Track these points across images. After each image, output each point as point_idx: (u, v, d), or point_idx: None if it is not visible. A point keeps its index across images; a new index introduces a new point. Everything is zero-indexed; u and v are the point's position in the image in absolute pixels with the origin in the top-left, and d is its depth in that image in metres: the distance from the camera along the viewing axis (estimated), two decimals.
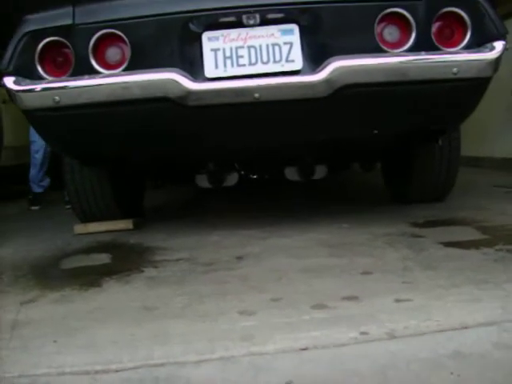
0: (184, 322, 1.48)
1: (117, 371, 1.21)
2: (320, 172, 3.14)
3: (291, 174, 3.20)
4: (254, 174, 3.75)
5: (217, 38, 2.32)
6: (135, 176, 3.45)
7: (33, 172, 4.92)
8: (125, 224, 3.16)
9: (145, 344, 1.34)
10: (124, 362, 1.24)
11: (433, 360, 1.13)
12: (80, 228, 3.16)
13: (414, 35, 2.29)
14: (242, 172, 3.52)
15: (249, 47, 2.31)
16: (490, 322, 1.30)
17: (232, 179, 3.22)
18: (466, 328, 1.27)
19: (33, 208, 4.80)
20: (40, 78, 2.34)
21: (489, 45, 2.30)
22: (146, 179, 3.81)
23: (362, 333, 1.29)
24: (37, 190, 4.91)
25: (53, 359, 1.29)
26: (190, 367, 1.20)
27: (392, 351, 1.20)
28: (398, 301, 1.51)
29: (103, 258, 2.43)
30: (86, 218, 3.20)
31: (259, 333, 1.35)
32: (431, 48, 2.30)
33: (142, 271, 2.11)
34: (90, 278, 2.07)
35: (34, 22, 2.35)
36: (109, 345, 1.35)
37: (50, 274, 2.25)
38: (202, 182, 3.18)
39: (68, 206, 4.19)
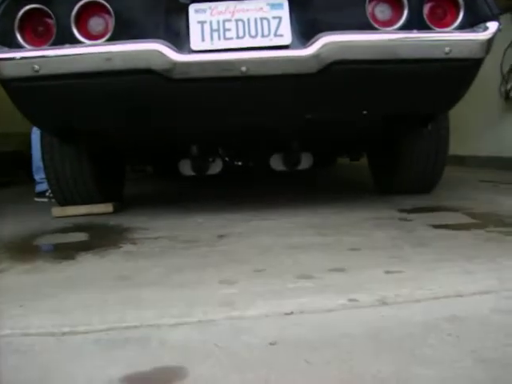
0: (160, 290, 1.40)
1: (85, 333, 1.11)
2: (305, 162, 3.07)
3: (276, 163, 3.13)
4: (238, 160, 3.66)
5: (204, 11, 2.24)
6: (116, 159, 3.35)
7: None
8: (104, 207, 3.06)
9: (117, 308, 1.25)
10: (93, 324, 1.15)
11: (428, 323, 1.05)
12: (58, 211, 3.06)
13: (405, 14, 2.24)
14: (226, 158, 3.44)
15: (236, 20, 2.23)
16: (486, 291, 1.23)
17: (216, 167, 3.14)
18: (461, 296, 1.21)
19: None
20: (19, 47, 2.24)
21: (482, 25, 2.24)
22: (126, 163, 3.71)
23: (351, 300, 1.22)
24: None
25: (17, 321, 1.20)
26: (164, 329, 1.12)
27: (384, 315, 1.12)
28: (387, 272, 1.44)
29: (80, 237, 2.34)
30: (65, 201, 3.10)
31: (240, 299, 1.27)
32: (423, 28, 2.25)
33: (120, 247, 2.02)
34: (64, 252, 1.98)
35: None
36: (79, 309, 1.26)
37: (24, 250, 2.14)
38: (186, 168, 3.09)
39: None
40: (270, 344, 1.01)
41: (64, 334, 1.12)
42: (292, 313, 1.16)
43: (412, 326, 1.05)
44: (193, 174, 3.11)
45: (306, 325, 1.10)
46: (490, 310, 1.11)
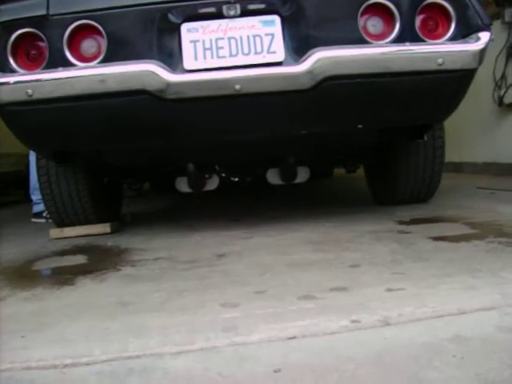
0: (162, 315, 1.38)
1: (87, 364, 1.10)
2: (302, 175, 3.07)
3: (273, 177, 3.13)
4: (234, 176, 3.66)
5: (196, 30, 2.25)
6: (113, 179, 3.34)
7: None
8: (102, 228, 3.05)
9: (119, 337, 1.24)
10: (96, 355, 1.14)
11: (432, 344, 1.05)
12: (56, 232, 3.05)
13: (397, 27, 2.24)
14: (223, 174, 3.44)
15: (229, 38, 2.24)
16: (489, 307, 1.22)
17: (212, 183, 3.14)
18: (464, 313, 1.20)
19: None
20: (12, 71, 2.24)
21: (474, 36, 2.25)
22: (123, 182, 3.70)
23: (354, 321, 1.21)
24: None
25: (18, 354, 1.18)
26: (167, 358, 1.10)
27: (387, 338, 1.11)
28: (389, 290, 1.43)
29: (78, 259, 2.32)
30: (63, 222, 3.09)
31: (243, 323, 1.26)
32: (416, 40, 2.26)
33: (119, 270, 2.01)
34: (63, 277, 1.97)
35: (6, 12, 2.25)
36: (80, 339, 1.25)
37: (22, 275, 2.13)
38: (182, 185, 3.09)
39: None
40: (274, 372, 1.00)
41: (65, 366, 1.11)
42: (295, 337, 1.15)
43: (416, 347, 1.05)
44: (189, 190, 3.11)
45: (309, 349, 1.09)
46: (495, 328, 1.10)
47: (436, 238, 2.08)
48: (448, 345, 1.04)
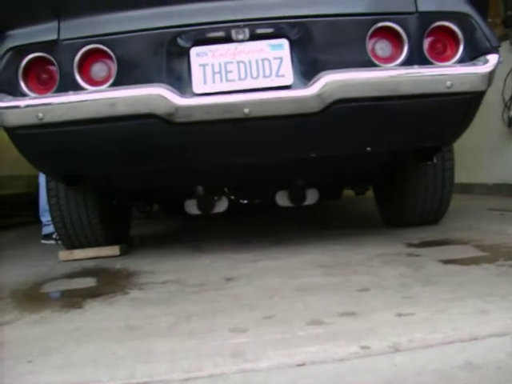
0: (170, 340, 1.38)
1: None
2: (311, 197, 3.07)
3: (282, 199, 3.13)
4: (244, 199, 3.66)
5: (205, 53, 2.27)
6: (121, 201, 3.35)
7: None
8: (111, 250, 3.05)
9: (127, 362, 1.23)
10: (103, 382, 1.13)
11: (444, 372, 1.03)
12: (65, 254, 3.06)
13: (406, 49, 2.26)
14: (232, 197, 3.45)
15: (238, 62, 2.25)
16: (501, 333, 1.20)
17: (221, 205, 3.15)
18: (475, 339, 1.18)
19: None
20: (23, 95, 2.27)
21: (482, 58, 2.26)
22: (133, 205, 3.71)
23: (363, 347, 1.19)
24: None
25: (25, 379, 1.18)
26: None
27: (397, 364, 1.09)
28: (399, 315, 1.41)
29: (87, 282, 2.32)
30: (72, 244, 3.10)
31: (251, 349, 1.25)
32: (424, 62, 2.27)
33: (127, 293, 2.00)
34: (71, 300, 1.96)
35: (18, 37, 2.28)
36: (87, 364, 1.24)
37: (31, 298, 2.13)
38: (191, 208, 3.10)
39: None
40: None
41: None
42: (304, 364, 1.13)
43: (426, 375, 1.03)
44: (199, 213, 3.11)
45: (317, 377, 1.08)
46: (507, 355, 1.09)
47: (446, 261, 2.07)
48: (459, 372, 1.02)
